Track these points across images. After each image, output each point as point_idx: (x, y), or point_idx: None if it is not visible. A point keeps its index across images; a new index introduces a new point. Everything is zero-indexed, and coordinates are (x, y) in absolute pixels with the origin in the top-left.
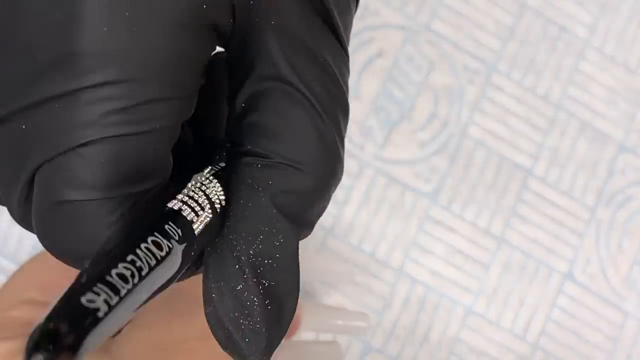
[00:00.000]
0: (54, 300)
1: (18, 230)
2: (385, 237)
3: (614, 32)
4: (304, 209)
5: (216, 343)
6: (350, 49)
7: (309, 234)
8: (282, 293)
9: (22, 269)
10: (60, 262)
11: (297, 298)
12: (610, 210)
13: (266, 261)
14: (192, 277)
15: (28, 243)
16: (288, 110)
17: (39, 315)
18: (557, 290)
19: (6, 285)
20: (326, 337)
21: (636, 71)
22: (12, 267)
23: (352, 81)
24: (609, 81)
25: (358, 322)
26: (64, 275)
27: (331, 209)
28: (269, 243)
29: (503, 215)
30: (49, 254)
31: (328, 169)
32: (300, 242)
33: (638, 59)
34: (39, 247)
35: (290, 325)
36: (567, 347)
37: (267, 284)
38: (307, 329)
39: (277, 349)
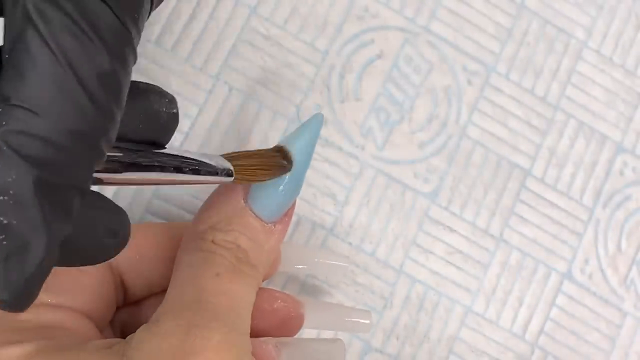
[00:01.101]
0: None
1: None
2: (386, 237)
3: (612, 33)
4: (41, 152)
5: (232, 357)
6: (350, 50)
7: (66, 178)
8: (24, 231)
9: None
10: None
11: (47, 239)
12: (608, 210)
13: (1, 198)
14: (218, 291)
15: None
16: (34, 57)
17: (50, 318)
18: (556, 289)
19: None
20: (328, 334)
21: (634, 72)
22: None
23: (352, 82)
24: (607, 82)
25: (361, 319)
26: (72, 276)
27: (331, 209)
28: (1, 179)
29: (502, 215)
30: None
31: (68, 117)
32: (300, 241)
33: (636, 60)
34: None
35: (293, 323)
36: (565, 346)
37: (4, 220)
38: (309, 327)
39: (282, 348)
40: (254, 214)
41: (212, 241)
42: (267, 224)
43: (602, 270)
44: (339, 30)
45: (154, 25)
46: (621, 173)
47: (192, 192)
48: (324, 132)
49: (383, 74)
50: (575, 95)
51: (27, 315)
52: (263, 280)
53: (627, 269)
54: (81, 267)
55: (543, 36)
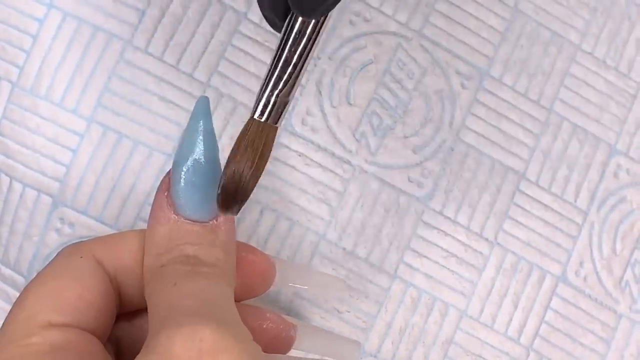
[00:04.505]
0: None
1: (19, 239)
2: (380, 241)
3: (605, 35)
4: None
5: (233, 345)
6: (343, 55)
7: None
8: None
9: (32, 290)
10: (71, 278)
11: None
12: (603, 213)
13: None
14: (182, 295)
15: (29, 251)
16: None
17: (60, 339)
18: (550, 292)
19: (18, 308)
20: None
21: (627, 74)
22: (15, 276)
23: (344, 87)
24: (600, 84)
25: (350, 350)
26: (77, 293)
27: (325, 214)
28: None
29: (496, 218)
30: (57, 267)
31: None
32: (293, 247)
33: (629, 62)
34: (40, 255)
35: (282, 344)
36: (560, 349)
37: None
38: (298, 349)
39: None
40: (188, 219)
41: (162, 266)
42: (206, 222)
43: (596, 273)
44: (331, 34)
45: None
46: (615, 175)
47: None
48: (316, 137)
49: (376, 79)
50: (568, 97)
51: (38, 339)
52: (255, 297)
53: (622, 271)
54: (85, 283)
55: (537, 39)
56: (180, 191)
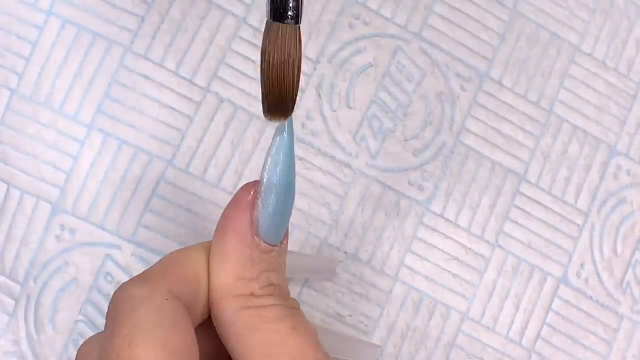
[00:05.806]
0: None
1: (16, 246)
2: (381, 245)
3: (604, 36)
4: None
5: None
6: (342, 58)
7: None
8: None
9: (140, 342)
10: (170, 324)
11: None
12: (603, 214)
13: None
14: (309, 343)
15: (26, 258)
16: None
17: None
18: (552, 294)
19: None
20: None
21: (627, 75)
22: (10, 284)
23: (344, 91)
24: (600, 85)
25: (369, 353)
26: (180, 339)
27: (326, 218)
28: None
29: (497, 220)
30: (152, 315)
31: None
32: (298, 252)
33: (628, 62)
34: (37, 262)
35: None
36: (562, 351)
37: None
38: None
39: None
40: (268, 244)
41: (252, 294)
42: (278, 246)
43: (597, 274)
44: (330, 38)
45: (144, 38)
46: (615, 176)
47: (185, 203)
48: (317, 141)
49: (375, 82)
50: (568, 99)
51: None
52: None
53: (623, 272)
54: (181, 326)
55: (536, 41)
56: (269, 216)
